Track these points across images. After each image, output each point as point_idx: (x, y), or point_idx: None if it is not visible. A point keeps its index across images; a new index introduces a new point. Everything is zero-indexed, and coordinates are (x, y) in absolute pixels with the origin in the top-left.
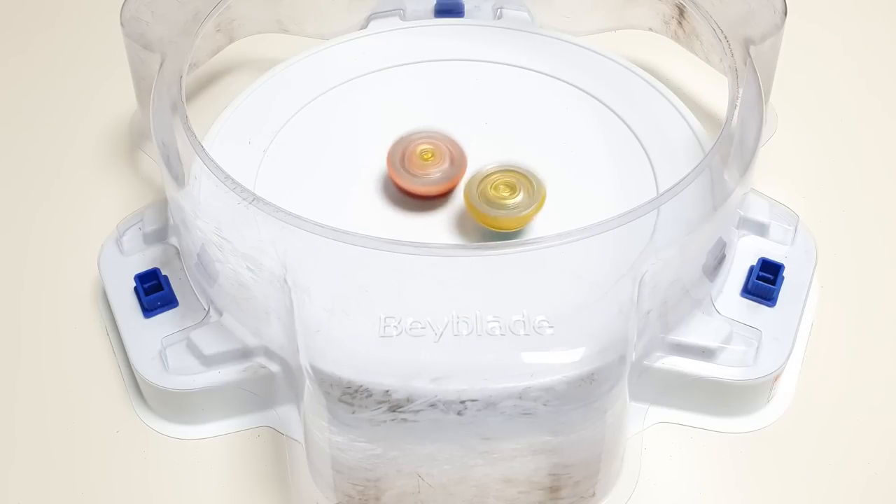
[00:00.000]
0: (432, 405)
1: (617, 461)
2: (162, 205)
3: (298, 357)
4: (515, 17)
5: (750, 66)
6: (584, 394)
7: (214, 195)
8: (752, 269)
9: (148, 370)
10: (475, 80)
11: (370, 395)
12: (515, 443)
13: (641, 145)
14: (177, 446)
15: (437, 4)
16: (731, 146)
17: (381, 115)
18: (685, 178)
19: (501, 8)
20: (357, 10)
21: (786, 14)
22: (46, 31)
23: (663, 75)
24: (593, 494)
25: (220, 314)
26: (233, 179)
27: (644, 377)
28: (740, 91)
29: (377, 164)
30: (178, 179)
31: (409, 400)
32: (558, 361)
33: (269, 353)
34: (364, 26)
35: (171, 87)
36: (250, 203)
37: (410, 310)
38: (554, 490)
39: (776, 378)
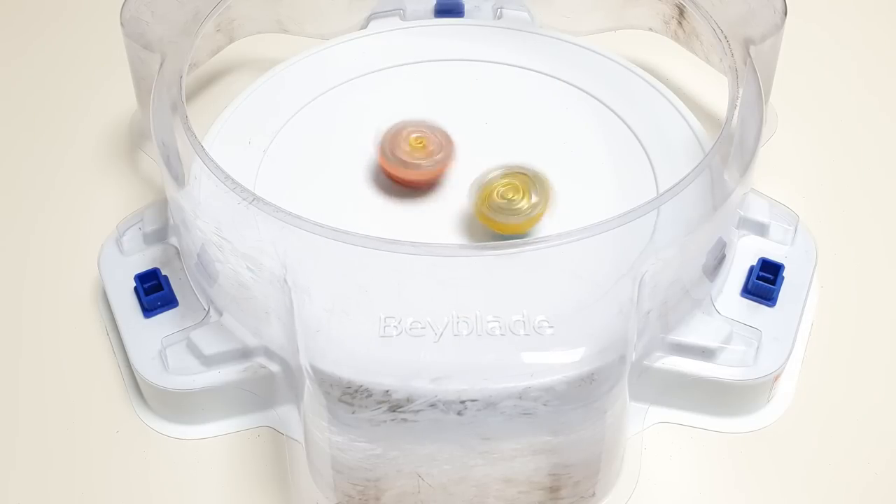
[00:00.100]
0: (432, 405)
1: (617, 461)
2: (162, 205)
3: (298, 357)
4: (515, 17)
5: (750, 66)
6: (584, 394)
7: (214, 195)
8: (752, 269)
9: (148, 370)
10: (475, 80)
11: (370, 395)
12: (515, 443)
13: (641, 145)
14: (177, 446)
15: (437, 4)
16: (731, 146)
17: (381, 116)
18: (685, 178)
19: (501, 8)
20: (357, 10)
21: (786, 14)
22: (46, 31)
23: (663, 75)
24: (593, 494)
25: (220, 314)
26: (233, 179)
27: (644, 377)
28: (740, 91)
29: (377, 164)
30: (178, 179)
31: (409, 400)
32: (558, 361)
33: (269, 353)
34: (364, 26)
35: (171, 87)
36: (250, 203)
37: (410, 310)
38: (554, 490)
39: (776, 378)
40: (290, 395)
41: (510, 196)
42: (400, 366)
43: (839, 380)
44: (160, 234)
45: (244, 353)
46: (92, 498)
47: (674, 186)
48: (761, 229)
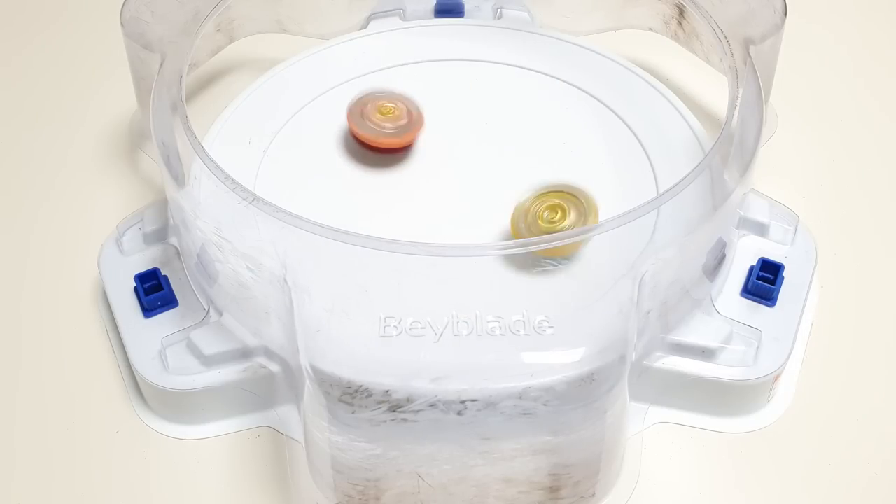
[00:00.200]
0: (432, 405)
1: (617, 461)
2: (162, 205)
3: (298, 357)
4: (515, 17)
5: (750, 66)
6: (584, 394)
7: (214, 195)
8: (752, 269)
9: (148, 370)
10: (475, 80)
11: (370, 395)
12: (515, 443)
13: (641, 145)
14: (177, 446)
15: (437, 4)
16: (731, 146)
17: None
18: (685, 178)
19: (501, 8)
20: (357, 10)
21: (786, 14)
22: (46, 31)
23: (663, 75)
24: (593, 494)
25: (220, 314)
26: (233, 179)
27: (644, 377)
28: (740, 91)
29: (378, 164)
30: (178, 179)
31: (409, 400)
32: (558, 361)
33: (269, 353)
34: (364, 26)
35: (171, 87)
36: (250, 203)
37: (410, 310)
38: (554, 490)
39: (776, 378)
40: (290, 395)
41: (551, 218)
42: (400, 366)
43: (839, 380)
44: (160, 234)
45: (244, 353)
46: (92, 498)
47: (674, 186)
48: (761, 229)
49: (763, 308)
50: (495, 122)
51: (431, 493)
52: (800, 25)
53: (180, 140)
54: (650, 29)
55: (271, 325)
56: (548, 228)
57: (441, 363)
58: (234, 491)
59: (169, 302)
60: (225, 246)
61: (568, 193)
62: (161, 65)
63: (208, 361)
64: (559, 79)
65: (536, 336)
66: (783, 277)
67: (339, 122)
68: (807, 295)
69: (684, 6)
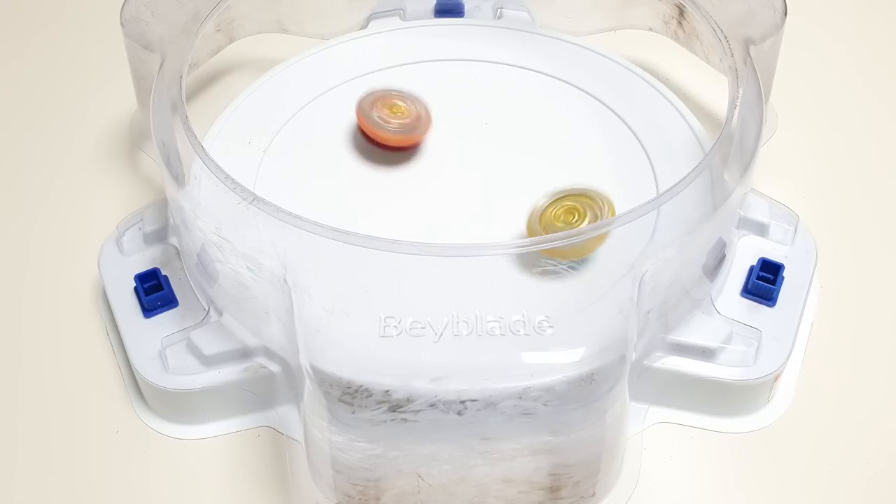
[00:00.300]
0: (432, 405)
1: (617, 461)
2: (162, 205)
3: (298, 357)
4: (515, 17)
5: (750, 66)
6: (584, 394)
7: (214, 195)
8: (752, 269)
9: (148, 370)
10: (475, 80)
11: (370, 395)
12: (515, 443)
13: (641, 145)
14: (177, 446)
15: (437, 4)
16: (731, 146)
17: None
18: (685, 178)
19: (501, 8)
20: (357, 10)
21: (786, 14)
22: (46, 31)
23: (663, 75)
24: (593, 494)
25: (220, 314)
26: (233, 179)
27: (644, 377)
28: (740, 91)
29: (378, 164)
30: (178, 179)
31: (409, 400)
32: (558, 361)
33: (269, 353)
34: (364, 26)
35: (171, 87)
36: (250, 203)
37: (410, 310)
38: (554, 490)
39: (776, 378)
40: (290, 395)
41: (568, 219)
42: (400, 366)
43: (839, 380)
44: (160, 234)
45: (244, 353)
46: (92, 498)
47: (674, 186)
48: (761, 229)
49: (763, 308)
50: (495, 122)
51: (431, 493)
52: (800, 25)
53: (180, 140)
54: (650, 29)
55: (271, 325)
56: (560, 224)
57: (441, 363)
58: (234, 491)
59: (169, 302)
60: (225, 246)
61: (584, 196)
62: (161, 65)
63: (208, 361)
64: (559, 79)
65: (536, 336)
66: (783, 277)
67: (339, 121)
68: (807, 295)
69: (684, 6)
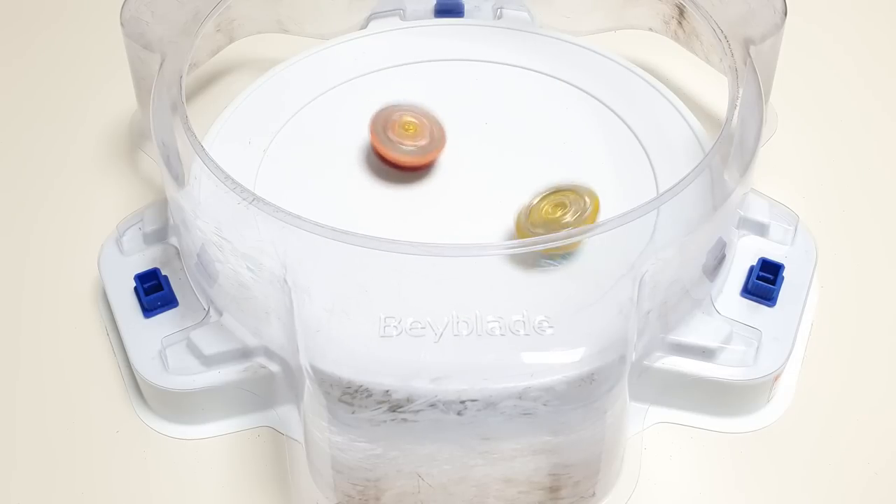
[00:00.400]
0: (432, 405)
1: (617, 461)
2: (162, 205)
3: (298, 357)
4: (515, 17)
5: (750, 66)
6: (584, 394)
7: (214, 195)
8: (752, 269)
9: (148, 370)
10: (475, 80)
11: (370, 395)
12: (515, 443)
13: (641, 145)
14: (177, 446)
15: (437, 4)
16: (731, 146)
17: None
18: (685, 178)
19: (501, 8)
20: (357, 10)
21: (786, 14)
22: (47, 31)
23: (663, 75)
24: (593, 494)
25: (220, 314)
26: (233, 179)
27: (644, 377)
28: (740, 91)
29: (377, 164)
30: (178, 179)
31: (409, 400)
32: (558, 361)
33: (269, 353)
34: (364, 26)
35: (171, 87)
36: (250, 203)
37: (410, 310)
38: (554, 490)
39: (776, 378)
40: (290, 395)
41: (556, 213)
42: (400, 366)
43: (839, 380)
44: (160, 234)
45: (244, 353)
46: (92, 498)
47: (674, 186)
48: (761, 229)
49: (763, 308)
50: (495, 122)
51: (431, 493)
52: (800, 25)
53: (180, 140)
54: (650, 29)
55: (271, 325)
56: (549, 220)
57: (441, 363)
58: (234, 491)
59: (169, 302)
60: (225, 246)
61: (569, 191)
62: (161, 65)
63: (208, 361)
64: (559, 79)
65: (536, 336)
66: (783, 277)
67: (339, 121)
68: (807, 295)
69: (684, 6)
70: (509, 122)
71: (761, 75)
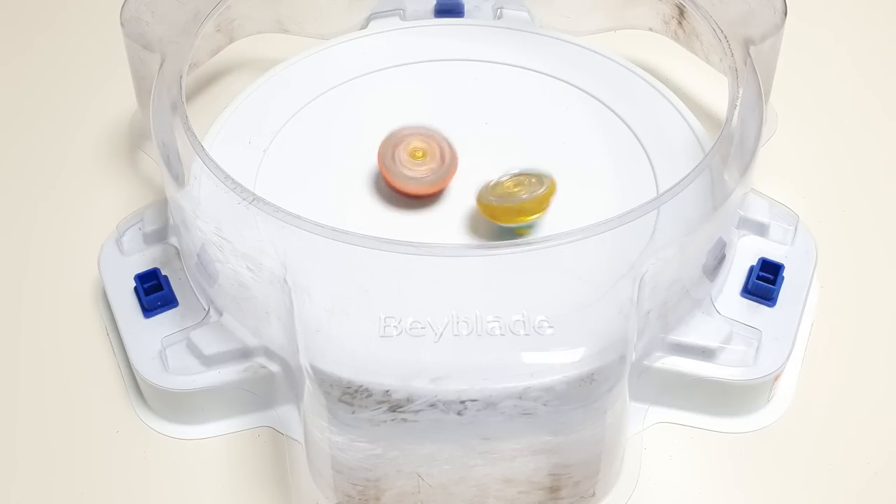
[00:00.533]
0: (432, 405)
1: (617, 461)
2: (162, 205)
3: (298, 357)
4: (515, 17)
5: (750, 66)
6: (584, 394)
7: (214, 195)
8: (752, 269)
9: (148, 370)
10: (475, 80)
11: (370, 395)
12: (515, 443)
13: (641, 145)
14: (177, 446)
15: (437, 4)
16: (731, 146)
17: (380, 115)
18: (685, 178)
19: (501, 8)
20: (357, 10)
21: (786, 14)
22: (47, 31)
23: (663, 75)
24: (593, 494)
25: (220, 314)
26: (233, 179)
27: (644, 377)
28: (740, 91)
29: (378, 166)
30: (178, 179)
31: (409, 400)
32: (558, 361)
33: (269, 353)
34: (364, 26)
35: (171, 87)
36: (250, 203)
37: (410, 310)
38: (554, 490)
39: (776, 378)
40: (290, 395)
41: (513, 189)
42: (400, 366)
43: (839, 380)
44: (160, 234)
45: (244, 353)
46: (92, 498)
47: (674, 186)
48: (761, 229)
49: (763, 308)
50: (495, 122)
51: (431, 493)
52: (800, 25)
53: (180, 140)
54: (650, 29)
55: (271, 325)
56: (508, 193)
57: (441, 363)
58: (234, 491)
59: (169, 302)
60: (225, 246)
61: (532, 175)
62: (161, 65)
63: (208, 361)
64: (559, 79)
65: (536, 336)
66: (783, 277)
67: (339, 121)
68: (807, 295)
69: (684, 6)
70: (509, 122)
71: (761, 75)
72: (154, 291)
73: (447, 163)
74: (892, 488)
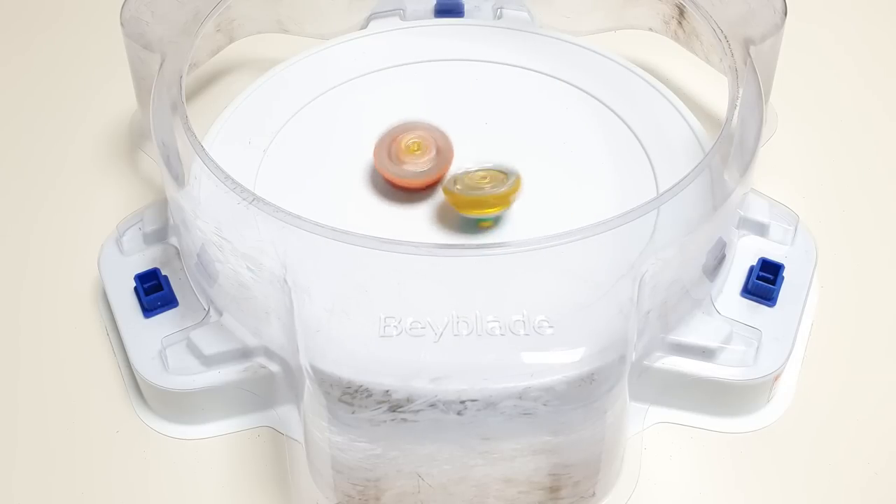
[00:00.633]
0: (432, 405)
1: (617, 461)
2: (162, 205)
3: (298, 357)
4: (515, 17)
5: (750, 66)
6: (584, 394)
7: (214, 195)
8: (752, 269)
9: (148, 370)
10: (475, 80)
11: (370, 395)
12: (515, 443)
13: (641, 145)
14: (177, 446)
15: (437, 4)
16: (731, 146)
17: (380, 115)
18: (685, 178)
19: (501, 8)
20: (357, 10)
21: (786, 14)
22: (47, 31)
23: (663, 75)
24: (593, 494)
25: (220, 314)
26: (233, 179)
27: (644, 377)
28: (740, 91)
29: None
30: (178, 179)
31: (409, 400)
32: (558, 361)
33: (269, 353)
34: (364, 26)
35: (171, 87)
36: (250, 203)
37: (410, 310)
38: (554, 490)
39: (776, 378)
40: (290, 395)
41: (479, 182)
42: (400, 366)
43: (839, 380)
44: (160, 234)
45: (244, 353)
46: (92, 498)
47: (674, 186)
48: (761, 229)
49: (763, 308)
50: (495, 122)
51: (431, 493)
52: (800, 25)
53: (180, 140)
54: (650, 29)
55: (271, 325)
56: (473, 185)
57: (441, 363)
58: (234, 491)
59: (169, 302)
60: (225, 246)
61: (500, 171)
62: (161, 65)
63: (208, 361)
64: (559, 79)
65: (536, 336)
66: (783, 277)
67: (339, 121)
68: (807, 295)
69: (684, 6)
70: (509, 122)
71: (761, 75)
72: (154, 291)
73: (443, 154)
74: (892, 488)
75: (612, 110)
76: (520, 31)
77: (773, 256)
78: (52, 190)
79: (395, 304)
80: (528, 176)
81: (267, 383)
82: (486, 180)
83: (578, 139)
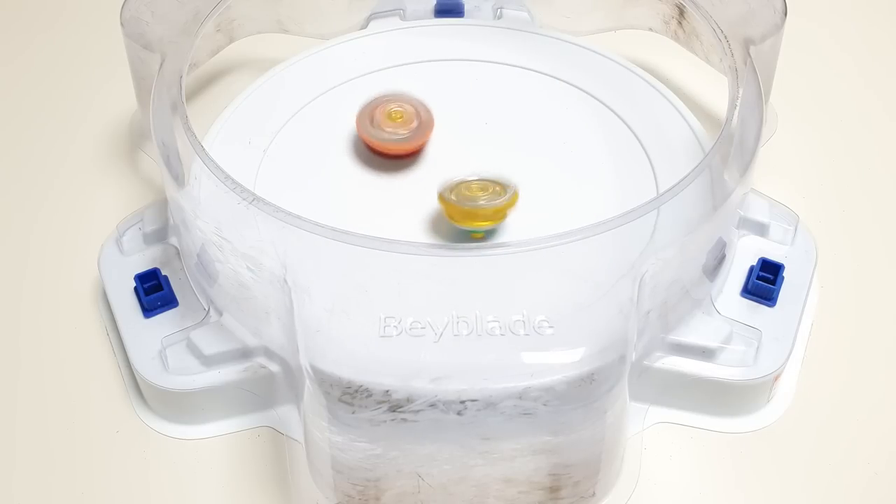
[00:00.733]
0: (432, 405)
1: (617, 461)
2: (162, 205)
3: (298, 357)
4: (515, 17)
5: (750, 66)
6: (584, 394)
7: (214, 195)
8: (752, 269)
9: (148, 370)
10: (475, 80)
11: (370, 395)
12: (515, 443)
13: (641, 145)
14: (177, 446)
15: (437, 4)
16: (731, 146)
17: None
18: (685, 178)
19: (501, 8)
20: (357, 10)
21: (786, 14)
22: (47, 31)
23: (663, 75)
24: (593, 494)
25: (220, 314)
26: (233, 179)
27: (644, 377)
28: (740, 91)
29: (378, 164)
30: (178, 179)
31: (409, 400)
32: (558, 361)
33: (269, 353)
34: (364, 26)
35: (171, 87)
36: (250, 203)
37: (410, 310)
38: (554, 490)
39: (776, 378)
40: (290, 395)
41: (476, 192)
42: (400, 366)
43: (839, 380)
44: (160, 234)
45: (244, 353)
46: (92, 498)
47: (674, 186)
48: (761, 229)
49: (763, 308)
50: (495, 122)
51: (431, 493)
52: (800, 25)
53: (180, 140)
54: (650, 29)
55: (271, 325)
56: (468, 196)
57: (441, 363)
58: (234, 491)
59: (169, 302)
60: (225, 246)
61: (498, 183)
62: (161, 65)
63: (208, 361)
64: (559, 79)
65: (536, 336)
66: (783, 277)
67: (339, 121)
68: (807, 295)
69: (684, 6)
70: (509, 122)
71: (761, 75)
72: (154, 291)
73: (423, 121)
74: (892, 488)
75: (612, 110)
76: (520, 31)
77: (773, 256)
78: (52, 190)
79: (395, 304)
80: (528, 176)
81: (267, 383)
82: (482, 192)
83: (578, 139)
